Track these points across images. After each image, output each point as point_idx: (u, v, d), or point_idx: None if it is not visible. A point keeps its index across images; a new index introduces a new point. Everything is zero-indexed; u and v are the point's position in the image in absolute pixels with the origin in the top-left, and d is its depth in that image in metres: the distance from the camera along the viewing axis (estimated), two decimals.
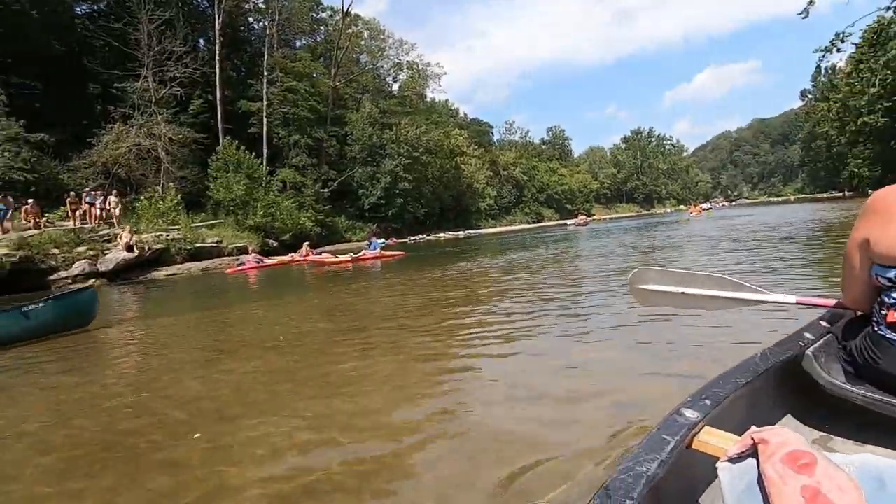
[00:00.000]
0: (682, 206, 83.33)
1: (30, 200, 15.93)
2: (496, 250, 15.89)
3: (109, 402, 2.85)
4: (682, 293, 1.90)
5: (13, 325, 5.05)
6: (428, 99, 57.56)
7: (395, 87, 52.79)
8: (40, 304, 5.30)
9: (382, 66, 50.13)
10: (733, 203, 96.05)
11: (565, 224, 43.46)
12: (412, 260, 14.14)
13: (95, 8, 31.84)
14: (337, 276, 10.96)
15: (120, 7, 29.69)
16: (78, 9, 30.82)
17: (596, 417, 2.03)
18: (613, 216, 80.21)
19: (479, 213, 60.23)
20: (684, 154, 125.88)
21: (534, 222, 69.12)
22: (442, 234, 43.92)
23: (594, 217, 65.49)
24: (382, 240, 35.55)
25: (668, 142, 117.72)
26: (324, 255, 17.11)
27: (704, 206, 49.72)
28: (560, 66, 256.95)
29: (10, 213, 14.85)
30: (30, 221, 15.26)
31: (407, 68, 51.66)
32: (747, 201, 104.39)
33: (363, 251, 15.12)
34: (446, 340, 3.52)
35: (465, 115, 78.65)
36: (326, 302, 6.22)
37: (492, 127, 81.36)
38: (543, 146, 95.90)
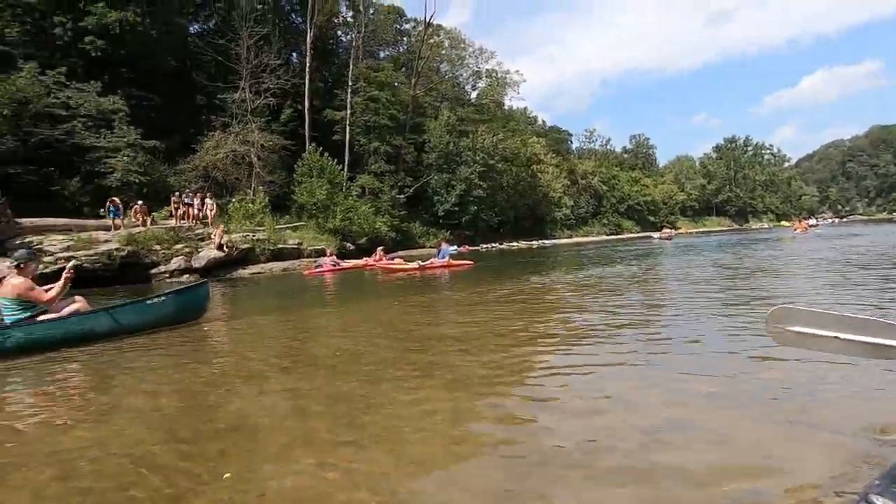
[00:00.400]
0: (783, 222, 75.58)
1: (139, 202, 17.66)
2: (572, 263, 15.12)
3: (156, 413, 2.80)
4: (836, 338, 1.67)
5: (140, 315, 5.39)
6: (506, 107, 57.18)
7: (474, 94, 52.98)
8: (163, 298, 5.63)
9: (462, 75, 50.55)
10: (844, 219, 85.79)
11: (650, 237, 40.97)
12: (481, 270, 13.79)
13: (205, 27, 35.07)
14: (405, 284, 10.88)
15: (225, 25, 32.47)
16: (191, 28, 34.07)
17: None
18: (701, 230, 74.70)
19: (554, 222, 58.67)
20: (786, 165, 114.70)
21: (612, 234, 66.13)
22: (515, 244, 43.20)
23: (680, 230, 61.32)
24: (454, 247, 35.56)
25: (767, 151, 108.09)
26: (396, 259, 17.26)
27: (810, 222, 44.65)
28: (645, 72, 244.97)
29: (121, 212, 16.49)
30: (138, 220, 16.86)
31: (486, 76, 51.65)
32: (862, 218, 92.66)
33: (431, 259, 15.02)
34: (515, 377, 3.10)
35: (544, 122, 77.25)
36: (391, 314, 6.04)
37: (570, 135, 79.24)
38: (625, 155, 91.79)
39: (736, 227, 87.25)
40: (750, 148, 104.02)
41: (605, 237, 60.42)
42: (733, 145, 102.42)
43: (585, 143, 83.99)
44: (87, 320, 5.03)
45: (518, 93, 54.66)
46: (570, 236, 59.29)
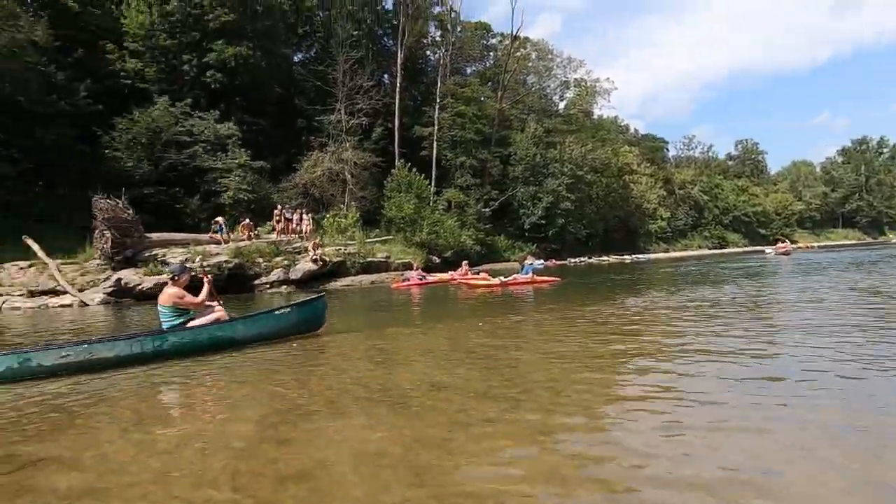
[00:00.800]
0: None
1: (246, 218, 19.30)
2: (670, 282, 13.88)
3: (222, 445, 2.76)
4: None
5: (269, 325, 5.80)
6: (595, 116, 55.11)
7: (562, 105, 51.74)
8: (289, 309, 6.00)
9: (549, 86, 49.60)
10: None
11: (763, 252, 36.90)
12: (569, 288, 13.09)
13: (307, 55, 37.98)
14: (487, 301, 10.58)
15: (324, 52, 34.88)
16: (294, 57, 37.05)
17: None
18: (825, 244, 66.20)
19: (648, 235, 55.20)
20: None
21: (716, 248, 60.80)
22: (606, 258, 41.17)
23: (798, 244, 54.74)
24: (540, 261, 34.68)
25: None
26: (481, 274, 17.06)
27: None
28: (754, 71, 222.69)
29: (224, 229, 18.05)
30: (244, 234, 18.36)
31: (574, 86, 50.24)
32: None
33: (514, 275, 14.63)
34: (611, 434, 2.66)
35: (636, 131, 73.39)
36: (475, 339, 5.74)
37: (666, 143, 74.35)
38: (730, 162, 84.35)
39: (869, 240, 76.15)
40: (886, 150, 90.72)
41: (706, 251, 55.64)
42: (864, 147, 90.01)
43: (684, 150, 78.40)
44: (225, 328, 5.53)
45: (609, 101, 52.54)
46: (667, 250, 55.37)
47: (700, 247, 60.40)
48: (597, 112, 54.29)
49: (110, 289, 13.45)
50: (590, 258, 40.52)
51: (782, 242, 35.28)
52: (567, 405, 3.01)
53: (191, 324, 5.39)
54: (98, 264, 14.59)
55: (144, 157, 23.81)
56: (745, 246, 64.35)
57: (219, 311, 5.65)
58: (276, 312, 5.92)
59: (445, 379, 3.85)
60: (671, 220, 58.81)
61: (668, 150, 74.68)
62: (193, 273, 6.33)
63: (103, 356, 4.86)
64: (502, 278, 14.50)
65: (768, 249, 36.59)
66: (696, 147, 78.88)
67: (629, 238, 52.09)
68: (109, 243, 13.88)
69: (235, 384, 4.13)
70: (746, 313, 6.65)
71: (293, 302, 6.26)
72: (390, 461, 2.35)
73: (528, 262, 15.17)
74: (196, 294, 5.60)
